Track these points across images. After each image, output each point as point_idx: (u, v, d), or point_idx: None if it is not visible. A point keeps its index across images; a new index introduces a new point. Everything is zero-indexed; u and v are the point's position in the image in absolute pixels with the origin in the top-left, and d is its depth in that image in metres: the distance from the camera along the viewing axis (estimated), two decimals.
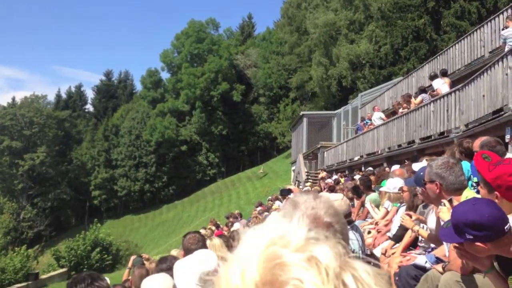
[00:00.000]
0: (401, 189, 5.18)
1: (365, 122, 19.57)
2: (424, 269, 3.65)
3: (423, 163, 4.89)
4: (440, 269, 3.20)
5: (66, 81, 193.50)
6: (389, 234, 5.57)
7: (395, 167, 8.48)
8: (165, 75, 69.60)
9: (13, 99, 66.39)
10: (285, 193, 9.41)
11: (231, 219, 18.23)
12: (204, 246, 4.18)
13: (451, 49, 15.91)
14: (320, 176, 20.50)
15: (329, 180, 16.77)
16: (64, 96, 79.05)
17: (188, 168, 61.86)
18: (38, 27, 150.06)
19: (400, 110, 14.21)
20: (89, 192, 62.72)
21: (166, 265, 4.03)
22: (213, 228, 18.82)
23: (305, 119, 29.70)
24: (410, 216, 4.25)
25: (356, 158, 18.96)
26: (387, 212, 5.95)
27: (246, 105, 62.75)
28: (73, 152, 65.88)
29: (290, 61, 46.94)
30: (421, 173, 3.29)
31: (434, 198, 3.13)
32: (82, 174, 64.09)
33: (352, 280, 0.55)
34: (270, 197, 22.26)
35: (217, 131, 60.81)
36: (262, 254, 0.56)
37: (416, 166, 5.24)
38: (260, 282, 0.54)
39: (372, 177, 9.33)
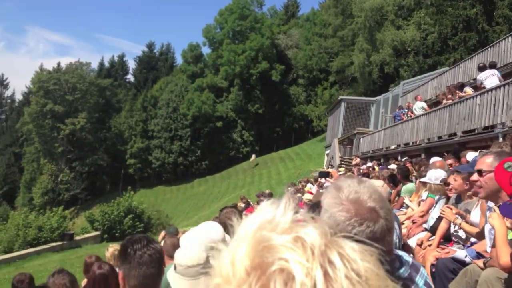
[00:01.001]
0: (443, 180, 5.07)
1: (403, 111, 19.16)
2: (463, 263, 3.59)
3: (476, 153, 4.77)
4: (481, 265, 3.13)
5: (109, 50, 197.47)
6: (425, 226, 5.49)
7: (435, 159, 8.30)
8: (206, 50, 69.84)
9: (58, 64, 68.07)
10: (324, 175, 9.36)
11: (262, 198, 18.28)
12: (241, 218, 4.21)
13: (503, 41, 15.29)
14: (354, 162, 20.28)
15: (363, 167, 16.59)
16: (107, 64, 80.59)
17: (222, 144, 62.32)
18: None
19: (444, 101, 13.82)
20: (125, 160, 64.18)
21: None
22: (243, 205, 18.98)
23: (343, 104, 29.34)
24: (451, 209, 4.17)
25: (392, 147, 18.64)
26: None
27: (284, 86, 62.38)
28: (112, 120, 67.35)
29: (333, 44, 46.14)
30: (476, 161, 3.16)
31: (490, 192, 2.91)
32: (119, 142, 65.59)
33: (338, 257, 0.57)
34: (301, 179, 22.23)
35: (254, 109, 60.85)
36: (251, 239, 0.58)
37: (470, 156, 5.13)
38: (249, 266, 0.56)
39: (409, 167, 9.17)
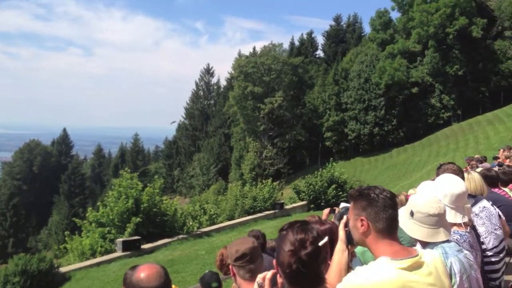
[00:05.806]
0: None
1: None
2: None
3: None
4: None
5: (298, 29, 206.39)
6: None
7: None
8: (395, 15, 66.94)
9: (254, 48, 72.99)
10: None
11: (473, 163, 16.98)
12: (462, 178, 4.23)
13: None
14: None
15: None
16: (297, 43, 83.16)
17: (419, 111, 59.48)
18: None
19: None
20: (322, 134, 66.05)
21: None
22: None
23: None
24: None
25: None
26: None
27: (488, 41, 56.17)
28: (306, 96, 69.68)
29: None
30: None
31: None
32: (314, 117, 67.64)
33: None
34: None
35: (452, 71, 56.30)
36: None
37: None
38: None
39: None
